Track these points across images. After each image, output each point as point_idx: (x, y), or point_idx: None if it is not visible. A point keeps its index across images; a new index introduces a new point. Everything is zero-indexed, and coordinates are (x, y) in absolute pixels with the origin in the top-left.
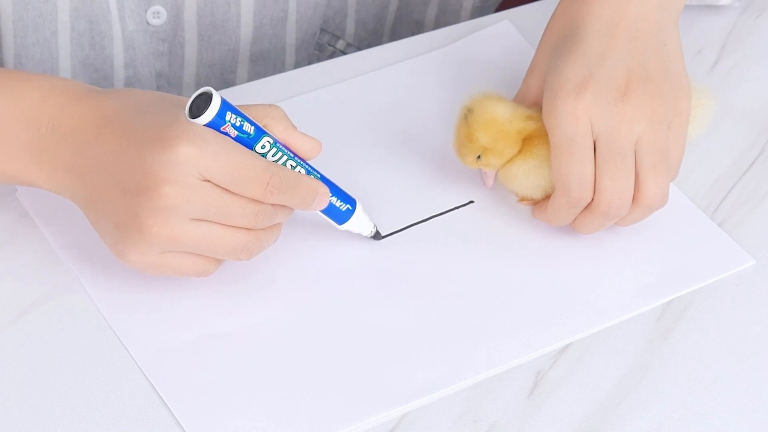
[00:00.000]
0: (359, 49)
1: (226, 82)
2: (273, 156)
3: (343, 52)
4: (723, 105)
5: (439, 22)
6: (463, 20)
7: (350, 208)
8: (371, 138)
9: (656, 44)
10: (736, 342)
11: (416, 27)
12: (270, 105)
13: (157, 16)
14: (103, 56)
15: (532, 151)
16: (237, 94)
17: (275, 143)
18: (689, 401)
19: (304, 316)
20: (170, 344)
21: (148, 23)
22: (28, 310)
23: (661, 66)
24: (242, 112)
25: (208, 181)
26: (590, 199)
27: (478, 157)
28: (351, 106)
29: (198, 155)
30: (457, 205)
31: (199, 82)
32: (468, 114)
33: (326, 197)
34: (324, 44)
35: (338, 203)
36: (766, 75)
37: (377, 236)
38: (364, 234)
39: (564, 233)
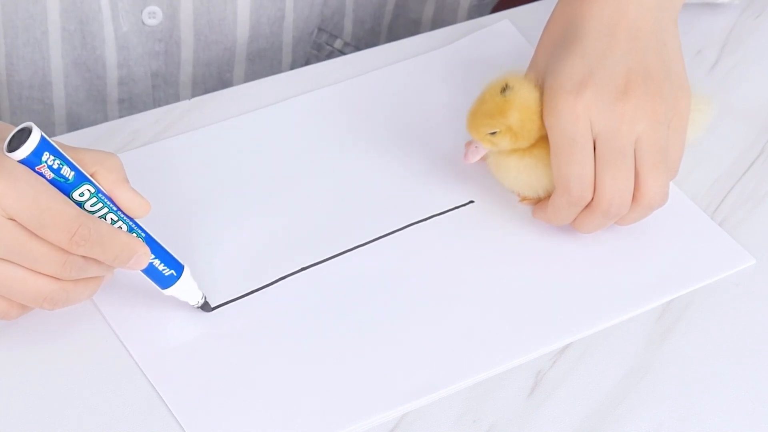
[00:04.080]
0: (357, 48)
1: (223, 81)
2: (92, 206)
3: (341, 52)
4: (723, 105)
5: (436, 21)
6: (460, 19)
7: (174, 274)
8: (370, 138)
9: (656, 44)
10: (736, 342)
11: (413, 25)
12: (107, 153)
13: (153, 16)
14: (95, 56)
15: (531, 151)
16: (234, 95)
17: (97, 193)
18: (689, 401)
19: (304, 316)
20: (170, 344)
21: (143, 23)
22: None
23: (661, 65)
24: (67, 154)
25: (14, 220)
26: (590, 199)
27: (493, 132)
28: (350, 107)
29: (4, 191)
30: (457, 205)
31: (195, 81)
32: (506, 89)
33: (145, 258)
34: (322, 43)
35: (161, 266)
36: (766, 75)
37: (206, 307)
38: (191, 303)
39: (564, 233)
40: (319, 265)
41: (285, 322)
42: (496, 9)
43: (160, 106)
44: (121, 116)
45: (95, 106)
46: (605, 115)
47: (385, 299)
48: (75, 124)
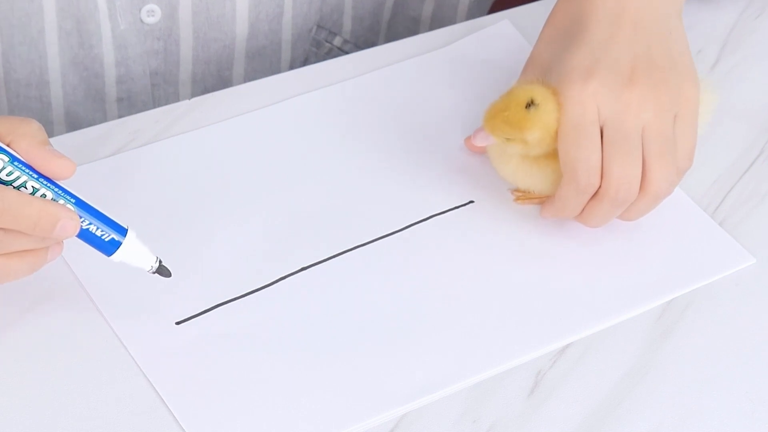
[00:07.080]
0: (356, 45)
1: (222, 78)
2: (7, 175)
3: (340, 49)
4: (723, 105)
5: (436, 18)
6: (460, 16)
7: (116, 238)
8: (370, 138)
9: (660, 33)
10: (736, 342)
11: (412, 23)
12: (23, 119)
13: (152, 14)
14: (92, 55)
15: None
16: (234, 95)
17: (12, 161)
18: (689, 401)
19: (303, 316)
20: (170, 344)
21: (142, 21)
22: (28, 310)
23: (666, 54)
24: None
25: None
26: (598, 186)
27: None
28: (350, 107)
29: None
30: (457, 204)
31: (195, 80)
32: (531, 104)
33: (71, 224)
34: (321, 41)
35: (98, 232)
36: (766, 75)
37: (163, 272)
38: (146, 269)
39: (564, 233)
40: (319, 265)
41: (285, 322)
42: (495, 8)
43: (159, 104)
44: (120, 115)
45: (94, 104)
46: (612, 102)
47: (384, 299)
48: (73, 122)
